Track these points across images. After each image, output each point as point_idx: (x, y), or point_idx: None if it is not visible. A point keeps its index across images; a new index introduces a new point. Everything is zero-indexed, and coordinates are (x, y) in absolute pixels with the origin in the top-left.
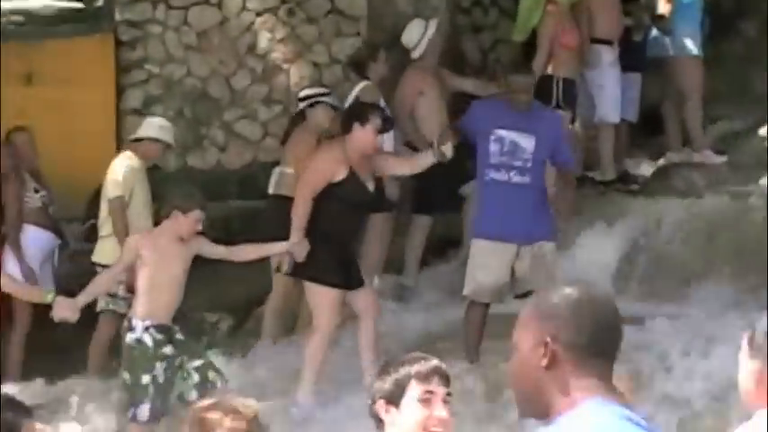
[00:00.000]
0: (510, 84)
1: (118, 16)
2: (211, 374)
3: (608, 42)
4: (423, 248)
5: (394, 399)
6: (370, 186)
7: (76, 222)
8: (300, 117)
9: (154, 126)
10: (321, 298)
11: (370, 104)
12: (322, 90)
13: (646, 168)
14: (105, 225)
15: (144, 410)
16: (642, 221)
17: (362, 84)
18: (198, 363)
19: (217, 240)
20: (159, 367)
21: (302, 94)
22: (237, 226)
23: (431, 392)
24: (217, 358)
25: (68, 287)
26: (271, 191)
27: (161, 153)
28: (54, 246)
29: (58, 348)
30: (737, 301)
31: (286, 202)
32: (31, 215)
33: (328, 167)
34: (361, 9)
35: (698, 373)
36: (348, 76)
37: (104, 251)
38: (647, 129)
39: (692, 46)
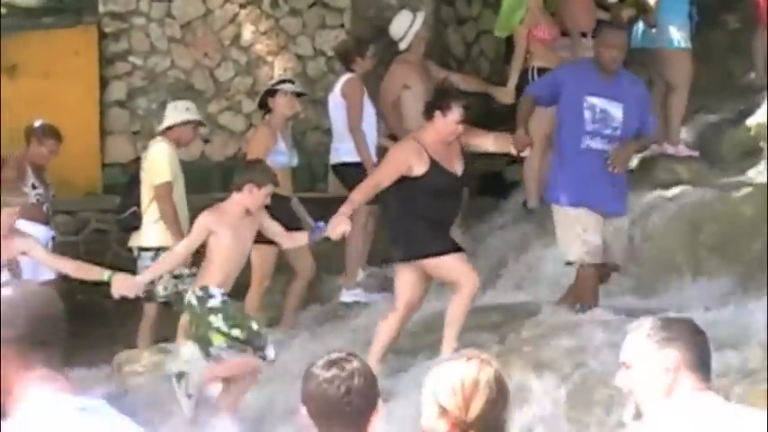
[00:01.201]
0: (602, 40)
1: (101, 8)
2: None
3: (582, 35)
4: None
5: None
6: (458, 169)
7: (60, 214)
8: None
9: (180, 110)
10: (445, 266)
11: (451, 92)
12: (281, 78)
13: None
14: (149, 211)
15: (270, 350)
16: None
17: (346, 76)
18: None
19: None
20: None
21: (270, 85)
22: None
23: None
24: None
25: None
26: None
27: (195, 135)
28: (48, 238)
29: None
30: (725, 294)
31: None
32: (25, 210)
33: (404, 162)
34: (345, 1)
35: None
36: (332, 69)
37: (150, 235)
38: None
39: (680, 38)
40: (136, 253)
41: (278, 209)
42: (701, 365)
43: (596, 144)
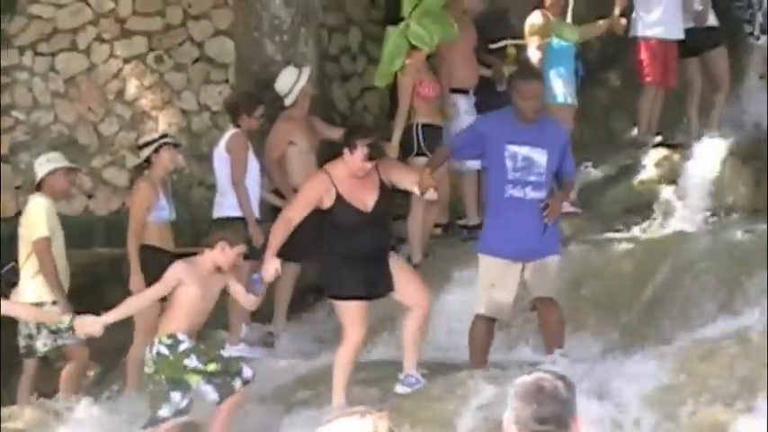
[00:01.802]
0: (518, 91)
1: None
2: (239, 365)
3: (464, 91)
4: (290, 296)
5: None
6: (368, 205)
7: None
8: (144, 164)
9: (45, 162)
10: (344, 311)
11: (358, 130)
12: (159, 134)
13: None
14: (27, 266)
15: (247, 370)
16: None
17: (231, 131)
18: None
19: (83, 287)
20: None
21: (141, 141)
22: (105, 272)
23: None
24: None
25: None
26: None
27: (69, 183)
28: None
29: None
30: (603, 351)
31: (145, 250)
32: None
33: (314, 195)
34: (230, 56)
35: None
36: (217, 124)
37: (28, 291)
38: None
39: (565, 94)
40: None
41: (157, 264)
42: (527, 423)
43: (518, 192)
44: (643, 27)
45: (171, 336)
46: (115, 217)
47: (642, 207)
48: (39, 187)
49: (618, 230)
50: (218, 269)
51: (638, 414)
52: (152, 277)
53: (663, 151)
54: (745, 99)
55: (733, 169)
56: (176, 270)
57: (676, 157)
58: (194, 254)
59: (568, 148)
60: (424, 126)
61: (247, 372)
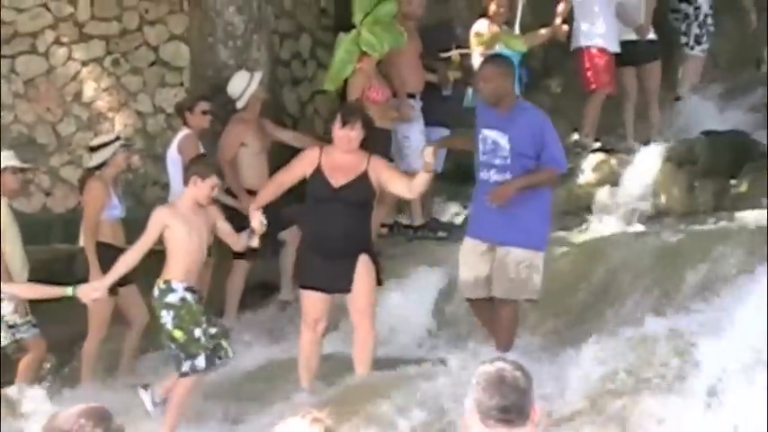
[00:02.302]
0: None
1: None
2: (224, 343)
3: (412, 96)
4: (241, 291)
5: None
6: (339, 182)
7: None
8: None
9: None
10: (303, 298)
11: (341, 107)
12: (113, 136)
13: (455, 216)
14: None
15: (201, 360)
16: (452, 267)
17: (182, 132)
18: (214, 330)
19: (42, 281)
20: (204, 321)
21: (94, 143)
22: (61, 268)
23: None
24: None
25: None
26: (81, 242)
27: (18, 182)
28: None
29: None
30: (542, 346)
31: (98, 246)
32: None
33: (300, 163)
34: (184, 60)
35: None
36: (171, 125)
37: None
38: (457, 178)
39: None
40: None
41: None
42: (488, 410)
43: (487, 175)
44: (585, 38)
45: (166, 281)
46: (72, 214)
47: (581, 209)
48: None
49: (556, 232)
50: (200, 206)
51: (577, 406)
52: (105, 272)
53: (601, 156)
54: (680, 107)
55: (668, 174)
56: (157, 214)
57: (613, 161)
58: (152, 251)
59: (548, 137)
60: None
61: (200, 362)
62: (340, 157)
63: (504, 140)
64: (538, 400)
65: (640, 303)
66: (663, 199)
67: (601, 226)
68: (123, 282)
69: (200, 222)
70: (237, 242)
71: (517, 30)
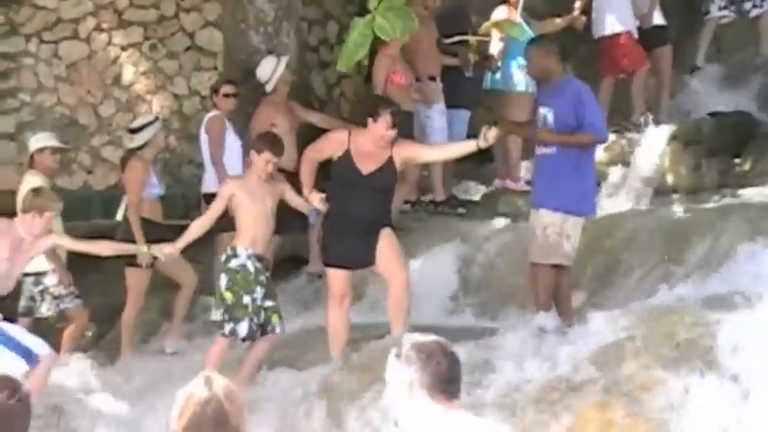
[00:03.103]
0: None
1: None
2: (275, 318)
3: (432, 79)
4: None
5: None
6: (368, 169)
7: None
8: (136, 147)
9: (34, 141)
10: (329, 276)
11: (381, 101)
12: (152, 118)
13: (475, 193)
14: None
15: (243, 327)
16: (472, 242)
17: (211, 113)
18: (269, 303)
19: (83, 254)
20: (259, 291)
21: (135, 125)
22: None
23: None
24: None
25: None
26: (119, 216)
27: (56, 162)
28: None
29: None
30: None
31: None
32: None
33: (331, 143)
34: (218, 45)
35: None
36: (206, 107)
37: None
38: (477, 157)
39: (524, 83)
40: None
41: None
42: (439, 383)
43: (539, 150)
44: (609, 26)
45: (233, 248)
46: (112, 191)
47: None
48: (32, 164)
49: None
50: (268, 179)
51: (587, 374)
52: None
53: (612, 136)
54: (690, 88)
55: (675, 153)
56: (227, 185)
57: (623, 141)
58: (184, 227)
59: (588, 106)
60: None
61: (242, 329)
62: (369, 145)
63: (550, 115)
64: (549, 369)
65: (649, 275)
66: (670, 177)
67: (611, 203)
68: None
69: (266, 194)
70: (304, 207)
71: (518, 18)
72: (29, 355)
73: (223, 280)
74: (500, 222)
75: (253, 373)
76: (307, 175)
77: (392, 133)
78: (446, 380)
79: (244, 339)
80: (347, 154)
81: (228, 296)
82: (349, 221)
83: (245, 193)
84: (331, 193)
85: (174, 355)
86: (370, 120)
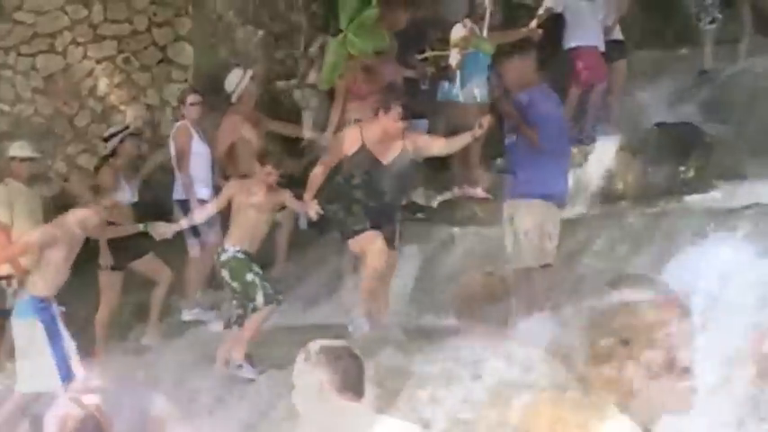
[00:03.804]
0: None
1: None
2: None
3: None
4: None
5: None
6: (387, 158)
7: None
8: (109, 154)
9: (9, 150)
10: (364, 242)
11: (393, 93)
12: (122, 126)
13: (432, 200)
14: None
15: (260, 298)
16: (432, 246)
17: (177, 123)
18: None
19: None
20: (255, 267)
21: (107, 133)
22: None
23: None
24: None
25: None
26: None
27: (27, 170)
28: None
29: None
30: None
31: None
32: None
33: (342, 146)
34: (189, 58)
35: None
36: (176, 117)
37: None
38: (434, 165)
39: (478, 94)
40: None
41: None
42: (347, 382)
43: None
44: (575, 40)
45: (222, 247)
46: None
47: None
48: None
49: None
50: (268, 187)
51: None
52: (114, 251)
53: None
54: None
55: (623, 162)
56: (229, 185)
57: (575, 150)
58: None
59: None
60: (356, 120)
61: (259, 299)
62: (380, 134)
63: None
64: (505, 363)
65: (600, 278)
66: (619, 184)
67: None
68: (140, 254)
69: (264, 200)
70: (301, 209)
71: (485, 33)
72: (67, 377)
73: (225, 274)
74: (459, 228)
75: (254, 335)
76: (314, 184)
77: (402, 125)
78: (354, 379)
79: (266, 304)
80: (363, 147)
81: (236, 284)
82: (373, 205)
83: (243, 197)
84: (346, 187)
85: (147, 355)
86: (381, 111)
